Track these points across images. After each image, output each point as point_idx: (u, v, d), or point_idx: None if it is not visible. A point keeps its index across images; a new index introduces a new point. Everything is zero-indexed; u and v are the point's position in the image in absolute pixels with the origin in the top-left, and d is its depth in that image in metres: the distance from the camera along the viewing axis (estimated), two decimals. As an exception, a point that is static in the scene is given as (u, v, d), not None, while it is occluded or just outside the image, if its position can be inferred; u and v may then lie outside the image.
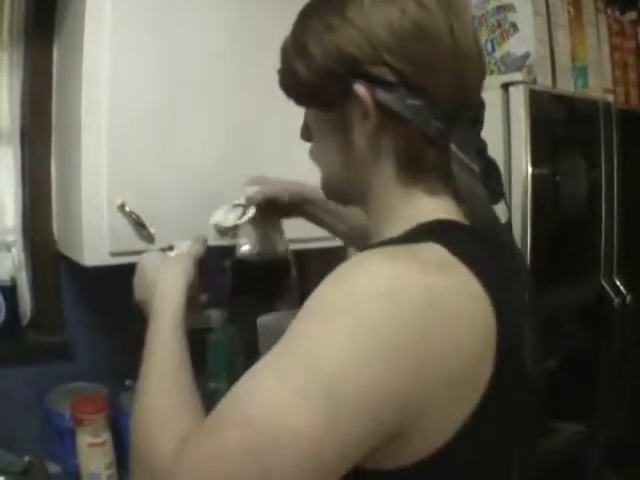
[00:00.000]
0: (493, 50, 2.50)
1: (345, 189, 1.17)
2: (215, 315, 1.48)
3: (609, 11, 2.91)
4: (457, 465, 0.92)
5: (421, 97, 1.01)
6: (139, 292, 1.35)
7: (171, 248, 1.43)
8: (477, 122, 1.08)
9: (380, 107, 1.01)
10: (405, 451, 0.89)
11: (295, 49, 1.09)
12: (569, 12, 2.64)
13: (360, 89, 1.01)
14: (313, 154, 1.20)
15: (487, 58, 2.51)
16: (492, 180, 1.07)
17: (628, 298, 2.57)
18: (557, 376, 2.44)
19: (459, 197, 1.06)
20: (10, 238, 2.33)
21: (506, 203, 1.10)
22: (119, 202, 1.92)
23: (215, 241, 1.50)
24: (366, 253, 0.93)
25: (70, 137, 2.06)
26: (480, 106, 1.10)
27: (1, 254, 2.28)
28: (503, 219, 1.07)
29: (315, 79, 1.06)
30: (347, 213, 1.56)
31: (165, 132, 2.01)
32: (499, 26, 2.47)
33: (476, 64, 1.08)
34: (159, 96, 1.99)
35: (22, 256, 2.34)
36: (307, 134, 1.20)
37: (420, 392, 0.85)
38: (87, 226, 1.93)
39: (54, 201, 2.34)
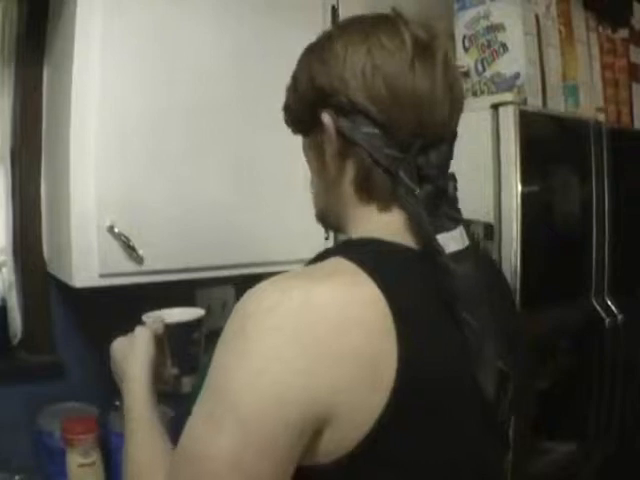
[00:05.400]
0: (483, 70, 2.50)
1: (329, 215, 1.29)
2: (186, 381, 1.57)
3: (600, 29, 2.91)
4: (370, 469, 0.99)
5: (377, 127, 1.12)
6: (116, 377, 1.45)
7: (143, 324, 1.50)
8: (438, 152, 1.15)
9: (342, 134, 1.14)
10: (319, 450, 0.98)
11: (293, 81, 1.24)
12: (560, 31, 2.64)
13: (325, 117, 1.15)
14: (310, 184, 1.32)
15: (477, 78, 2.51)
16: (445, 206, 1.14)
17: (619, 318, 2.56)
18: (549, 396, 2.44)
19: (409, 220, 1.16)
20: (0, 258, 2.33)
21: (466, 229, 1.17)
22: (108, 223, 1.92)
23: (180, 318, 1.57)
24: (266, 281, 1.02)
25: (59, 157, 2.06)
26: (449, 138, 1.19)
27: (-9, 274, 2.28)
28: (463, 244, 1.13)
29: (296, 106, 1.22)
30: None
31: (154, 153, 2.01)
32: (489, 46, 2.47)
33: (440, 103, 1.14)
34: (148, 118, 1.99)
35: (12, 277, 2.35)
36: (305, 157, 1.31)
37: (320, 388, 0.94)
38: (76, 247, 1.93)
39: (44, 222, 2.34)
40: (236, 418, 0.92)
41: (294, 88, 1.23)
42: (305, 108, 1.20)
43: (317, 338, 0.94)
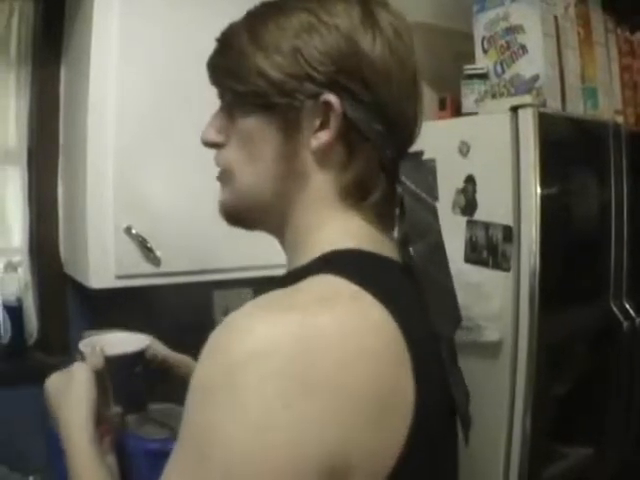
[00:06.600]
0: (502, 72, 2.48)
1: (261, 206, 1.07)
2: (131, 419, 1.41)
3: (619, 31, 2.89)
4: None
5: (384, 124, 1.00)
6: (52, 417, 1.27)
7: (81, 354, 1.34)
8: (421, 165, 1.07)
9: (343, 123, 0.98)
10: None
11: (257, 43, 1.02)
12: (579, 33, 2.62)
13: (332, 98, 0.97)
14: (229, 162, 1.09)
15: (496, 80, 2.51)
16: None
17: (637, 322, 2.54)
18: (566, 400, 2.42)
19: (387, 229, 1.06)
20: (16, 259, 2.34)
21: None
22: (125, 225, 1.91)
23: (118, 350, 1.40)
24: (237, 313, 0.85)
25: (76, 158, 2.06)
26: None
27: (7, 275, 2.28)
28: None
29: (282, 79, 0.98)
30: None
31: (172, 155, 2.00)
32: (508, 47, 2.46)
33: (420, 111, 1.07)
34: (166, 119, 1.98)
35: (28, 277, 2.35)
36: (223, 137, 1.09)
37: (335, 437, 0.79)
38: (93, 248, 1.93)
39: (61, 222, 2.34)
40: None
41: (271, 53, 1.00)
42: (295, 82, 0.98)
43: (327, 379, 0.79)
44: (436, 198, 1.04)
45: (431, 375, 0.93)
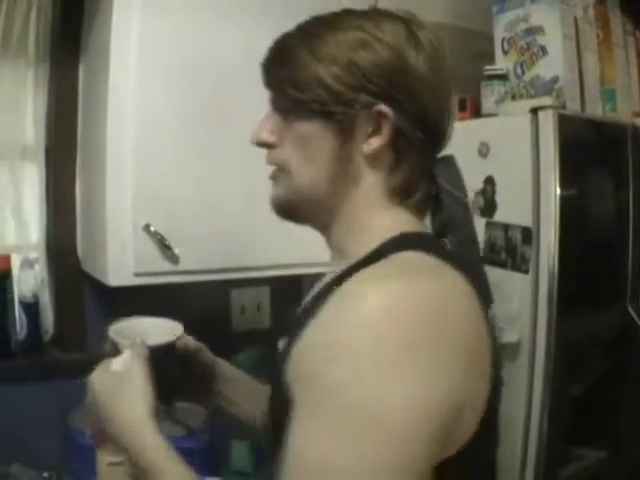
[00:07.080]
0: (522, 73, 2.47)
1: (313, 202, 1.17)
2: (161, 409, 1.36)
3: (637, 34, 2.88)
4: (473, 463, 0.98)
5: (425, 132, 1.11)
6: (99, 416, 1.24)
7: (115, 346, 1.30)
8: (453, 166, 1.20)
9: (399, 133, 1.09)
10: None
11: (314, 55, 1.11)
12: (598, 35, 2.61)
13: (386, 109, 1.07)
14: (285, 161, 1.18)
15: (516, 81, 2.49)
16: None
17: (654, 325, 2.54)
18: (582, 402, 2.41)
19: (424, 222, 1.19)
20: (33, 255, 2.34)
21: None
22: (144, 223, 1.91)
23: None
24: (355, 285, 0.96)
25: (95, 156, 2.06)
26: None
27: (24, 271, 2.28)
28: None
29: (340, 89, 1.09)
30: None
31: (191, 153, 2.00)
32: (528, 49, 2.45)
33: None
34: (185, 117, 1.99)
35: (45, 273, 2.36)
36: (275, 138, 1.19)
37: (456, 387, 0.91)
38: (112, 246, 1.93)
39: (78, 219, 2.34)
40: (383, 435, 0.85)
41: (329, 64, 1.09)
42: (352, 92, 1.08)
43: (434, 333, 0.90)
44: (466, 195, 1.14)
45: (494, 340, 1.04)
